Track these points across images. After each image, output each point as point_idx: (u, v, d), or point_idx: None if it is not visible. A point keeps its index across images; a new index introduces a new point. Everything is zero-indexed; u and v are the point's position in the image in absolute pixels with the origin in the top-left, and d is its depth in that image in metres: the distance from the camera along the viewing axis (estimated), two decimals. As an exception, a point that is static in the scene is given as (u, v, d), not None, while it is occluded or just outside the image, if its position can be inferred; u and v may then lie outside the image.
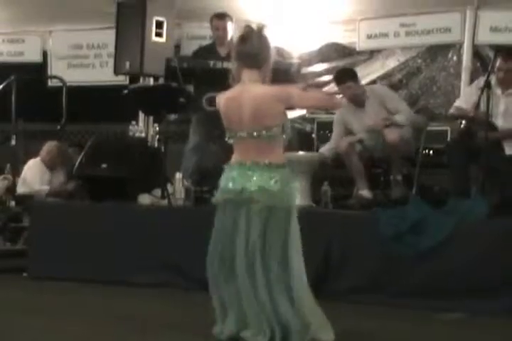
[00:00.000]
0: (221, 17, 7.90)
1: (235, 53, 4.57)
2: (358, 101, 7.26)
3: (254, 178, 4.41)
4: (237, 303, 4.41)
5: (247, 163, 4.45)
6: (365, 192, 7.00)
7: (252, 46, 4.47)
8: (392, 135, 6.93)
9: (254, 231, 4.37)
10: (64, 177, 8.60)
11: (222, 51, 7.85)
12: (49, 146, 8.76)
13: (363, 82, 8.06)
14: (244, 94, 4.45)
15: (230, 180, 4.47)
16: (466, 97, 7.02)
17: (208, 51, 8.02)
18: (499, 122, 6.64)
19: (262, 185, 4.39)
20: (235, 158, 4.53)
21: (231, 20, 7.88)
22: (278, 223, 4.39)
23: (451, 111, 7.07)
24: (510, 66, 6.64)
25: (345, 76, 7.30)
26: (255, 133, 4.41)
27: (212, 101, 5.32)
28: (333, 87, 8.84)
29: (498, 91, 6.71)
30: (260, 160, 4.43)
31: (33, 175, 8.61)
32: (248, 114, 4.42)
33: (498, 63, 6.69)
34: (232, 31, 7.82)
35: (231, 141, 4.53)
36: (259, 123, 4.41)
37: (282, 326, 4.34)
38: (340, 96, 7.05)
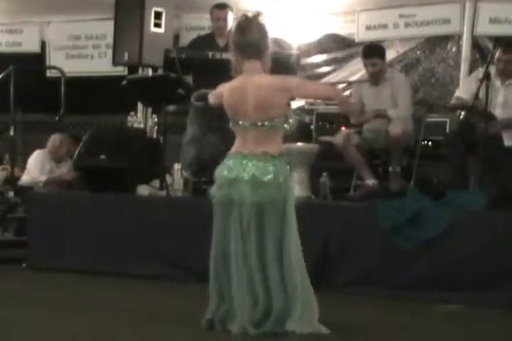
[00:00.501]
0: (222, 7, 7.88)
1: (233, 44, 4.56)
2: (375, 78, 7.25)
3: (249, 167, 4.44)
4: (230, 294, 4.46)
5: (245, 152, 4.48)
6: (371, 182, 7.00)
7: (252, 37, 4.46)
8: (395, 129, 6.91)
9: (250, 223, 4.40)
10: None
11: (221, 42, 7.82)
12: (54, 138, 8.74)
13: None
14: (249, 84, 4.47)
15: (225, 168, 4.51)
16: (465, 87, 7.02)
17: (206, 41, 8.00)
18: (498, 113, 6.65)
19: (255, 175, 4.41)
20: (234, 147, 4.56)
21: (231, 10, 7.85)
22: (273, 214, 4.41)
23: (452, 101, 7.07)
24: (510, 57, 6.64)
25: (373, 52, 7.28)
26: (259, 123, 4.43)
27: (200, 97, 5.31)
28: (331, 78, 8.89)
29: (498, 82, 6.72)
30: (257, 150, 4.46)
31: (35, 165, 8.60)
32: (252, 103, 4.44)
33: (497, 54, 6.70)
34: (232, 22, 7.79)
35: (234, 129, 4.57)
36: (263, 113, 4.43)
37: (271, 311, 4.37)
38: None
